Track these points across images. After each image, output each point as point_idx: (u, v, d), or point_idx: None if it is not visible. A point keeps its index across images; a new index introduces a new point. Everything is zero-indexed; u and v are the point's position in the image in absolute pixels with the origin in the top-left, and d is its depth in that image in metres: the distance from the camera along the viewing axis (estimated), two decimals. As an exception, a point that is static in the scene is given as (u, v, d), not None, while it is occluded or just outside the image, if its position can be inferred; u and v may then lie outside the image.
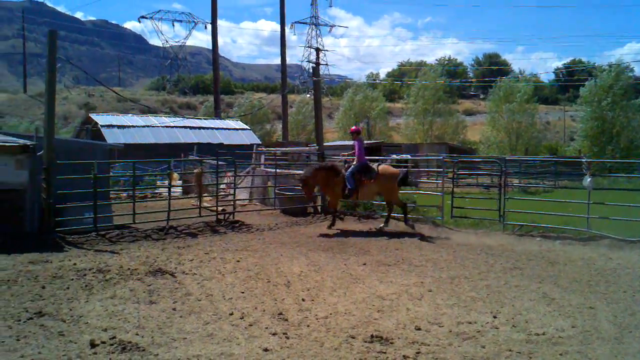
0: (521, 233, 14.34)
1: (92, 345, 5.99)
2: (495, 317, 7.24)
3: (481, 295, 8.37)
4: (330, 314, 7.30)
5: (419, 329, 6.71)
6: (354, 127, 16.13)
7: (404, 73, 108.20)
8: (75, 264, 10.08)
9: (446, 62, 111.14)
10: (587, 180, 13.64)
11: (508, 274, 9.87)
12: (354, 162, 15.12)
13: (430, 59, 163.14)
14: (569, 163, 34.64)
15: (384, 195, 15.56)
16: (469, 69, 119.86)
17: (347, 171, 15.01)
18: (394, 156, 33.02)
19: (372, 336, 6.38)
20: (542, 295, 8.37)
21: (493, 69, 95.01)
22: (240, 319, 7.05)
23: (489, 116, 59.00)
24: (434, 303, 7.90)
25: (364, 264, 10.53)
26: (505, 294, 8.46)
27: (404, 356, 5.84)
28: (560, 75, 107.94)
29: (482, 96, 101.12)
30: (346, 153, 17.47)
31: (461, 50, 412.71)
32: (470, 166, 31.46)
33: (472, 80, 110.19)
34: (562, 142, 69.52)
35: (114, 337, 6.20)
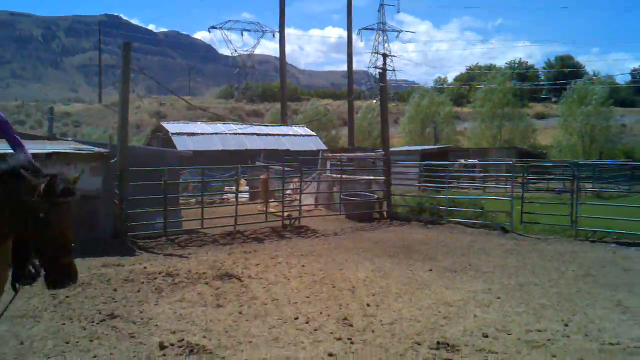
0: (594, 239, 13.86)
1: (161, 347, 6.14)
2: (566, 325, 7.00)
3: (552, 302, 8.12)
4: (396, 320, 7.24)
5: (487, 336, 6.56)
6: None
7: (473, 77, 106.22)
8: (145, 267, 10.36)
9: (516, 65, 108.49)
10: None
11: (580, 281, 9.55)
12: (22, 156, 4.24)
13: (501, 62, 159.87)
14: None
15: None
16: (540, 72, 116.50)
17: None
18: (462, 161, 32.56)
19: (438, 343, 6.28)
20: (616, 304, 8.06)
21: (565, 71, 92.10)
22: (306, 323, 7.08)
23: (562, 119, 57.18)
24: (502, 310, 7.71)
25: (430, 270, 10.39)
26: (577, 301, 8.18)
27: (470, 364, 5.73)
28: (638, 77, 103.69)
29: (554, 99, 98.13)
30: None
31: (533, 53, 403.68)
32: (540, 171, 30.62)
33: (543, 83, 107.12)
34: (640, 145, 66.69)
35: (182, 340, 6.33)
